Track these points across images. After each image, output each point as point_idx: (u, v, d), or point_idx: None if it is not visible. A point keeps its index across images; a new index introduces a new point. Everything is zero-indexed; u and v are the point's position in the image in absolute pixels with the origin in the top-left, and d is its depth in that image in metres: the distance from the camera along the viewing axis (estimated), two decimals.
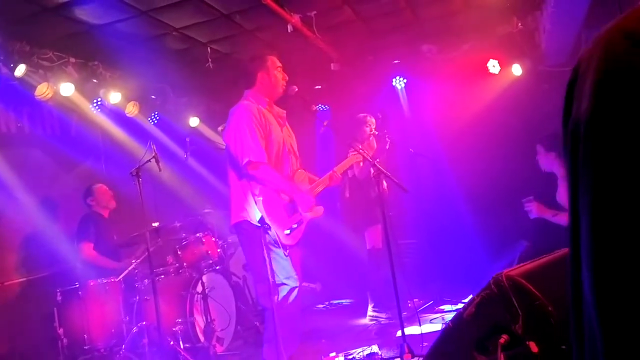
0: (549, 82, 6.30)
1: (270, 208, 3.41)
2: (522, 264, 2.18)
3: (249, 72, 3.74)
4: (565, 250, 2.70)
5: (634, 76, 0.74)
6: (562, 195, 4.09)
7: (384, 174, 3.80)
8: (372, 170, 4.99)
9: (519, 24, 5.69)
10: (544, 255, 2.34)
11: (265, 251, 3.35)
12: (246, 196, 3.47)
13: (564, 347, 1.84)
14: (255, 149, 3.41)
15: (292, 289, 3.46)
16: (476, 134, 6.32)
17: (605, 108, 0.76)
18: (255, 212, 3.40)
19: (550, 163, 4.29)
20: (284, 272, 3.44)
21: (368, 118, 5.24)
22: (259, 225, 3.35)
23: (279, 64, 3.79)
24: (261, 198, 3.40)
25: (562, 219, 4.02)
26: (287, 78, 3.80)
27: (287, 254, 3.43)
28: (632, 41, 0.75)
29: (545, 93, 6.29)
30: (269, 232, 3.36)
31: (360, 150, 3.93)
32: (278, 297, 3.42)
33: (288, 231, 3.38)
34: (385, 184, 5.08)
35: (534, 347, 1.85)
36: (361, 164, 4.89)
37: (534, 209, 4.18)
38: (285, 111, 3.83)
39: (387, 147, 5.10)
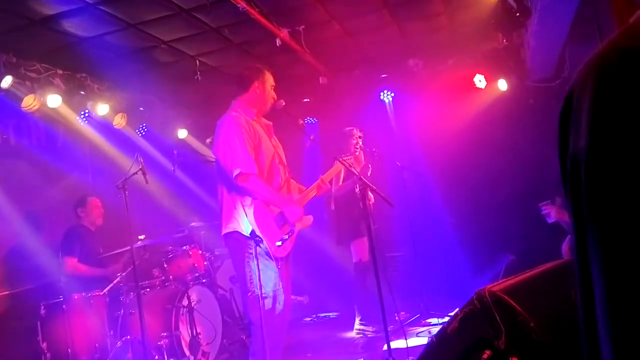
0: (534, 97, 6.40)
1: (261, 220, 3.41)
2: (505, 279, 2.20)
3: (245, 78, 3.73)
4: (547, 265, 2.73)
5: (634, 103, 0.63)
6: None
7: (370, 187, 3.82)
8: (357, 186, 5.06)
9: (504, 40, 5.77)
10: (527, 270, 2.37)
11: (256, 262, 3.35)
12: (236, 208, 3.46)
13: None
14: (246, 160, 3.41)
15: (276, 300, 3.44)
16: (462, 147, 6.39)
17: (605, 145, 0.65)
18: (245, 224, 3.39)
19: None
20: (271, 284, 3.43)
21: (355, 131, 5.28)
22: (250, 237, 3.35)
23: (274, 83, 3.81)
24: (252, 210, 3.40)
25: None
26: (276, 98, 3.82)
27: (279, 266, 3.43)
28: (628, 61, 0.65)
29: (531, 108, 6.39)
30: (261, 244, 3.36)
31: (344, 161, 3.94)
32: (264, 308, 3.40)
33: (279, 243, 3.38)
34: (371, 197, 5.13)
35: None
36: (341, 179, 5.03)
37: (552, 213, 4.05)
38: (271, 122, 3.84)
39: (369, 173, 5.10)
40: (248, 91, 3.69)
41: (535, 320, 1.91)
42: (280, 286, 3.45)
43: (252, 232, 3.35)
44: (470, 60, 6.41)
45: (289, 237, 3.44)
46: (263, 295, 3.38)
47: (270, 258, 3.41)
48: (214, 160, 3.84)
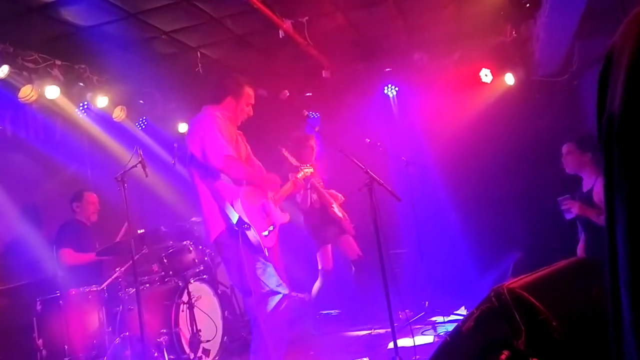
0: (540, 92, 6.29)
1: (247, 211, 3.34)
2: (523, 276, 2.09)
3: (218, 91, 3.66)
4: (564, 262, 2.62)
5: None
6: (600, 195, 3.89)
7: (377, 181, 3.72)
8: (314, 197, 5.39)
9: (513, 32, 5.65)
10: (545, 267, 2.26)
11: (253, 260, 3.29)
12: (220, 203, 3.38)
13: None
14: (225, 146, 3.35)
15: (284, 297, 3.37)
16: (468, 143, 6.27)
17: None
18: (232, 214, 3.33)
19: (580, 165, 4.07)
20: (274, 281, 3.36)
21: (311, 141, 5.34)
22: (237, 224, 3.28)
23: (252, 101, 3.72)
24: (238, 201, 3.32)
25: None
26: (252, 114, 3.74)
27: (269, 258, 3.37)
28: None
29: (537, 103, 6.27)
30: (248, 232, 3.28)
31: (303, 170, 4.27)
32: (269, 306, 3.32)
33: (266, 232, 3.38)
34: (340, 197, 5.56)
35: None
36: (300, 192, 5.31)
37: (575, 208, 3.91)
38: (241, 132, 3.79)
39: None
40: (220, 104, 3.62)
41: (558, 319, 1.81)
42: (281, 281, 3.38)
43: (240, 219, 3.28)
44: (476, 54, 6.29)
45: (274, 228, 3.47)
46: (266, 292, 3.30)
47: (261, 250, 3.34)
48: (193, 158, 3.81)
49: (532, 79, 6.24)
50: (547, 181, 5.70)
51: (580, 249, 4.18)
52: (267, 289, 3.33)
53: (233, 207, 3.32)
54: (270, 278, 3.35)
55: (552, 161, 5.18)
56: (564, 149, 4.16)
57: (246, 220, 3.29)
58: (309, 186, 5.32)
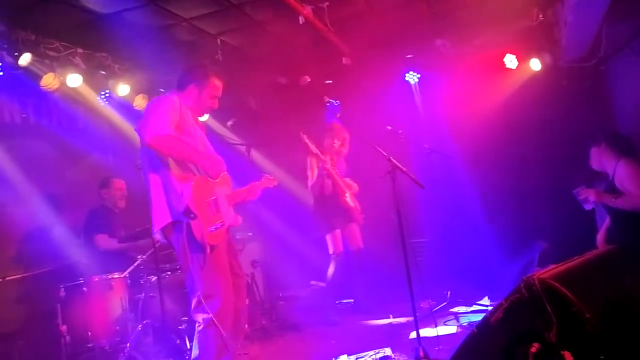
0: (567, 77, 6.12)
1: (198, 201, 3.15)
2: (553, 266, 2.02)
3: (183, 78, 3.51)
4: (594, 252, 2.54)
5: None
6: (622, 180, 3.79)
7: (400, 169, 3.65)
8: (328, 183, 5.45)
9: (540, 16, 5.49)
10: (576, 257, 2.18)
11: (201, 257, 3.13)
12: (168, 194, 3.17)
13: (602, 357, 1.69)
14: (161, 124, 3.10)
15: (226, 297, 3.19)
16: (492, 131, 6.16)
17: None
18: (180, 202, 3.10)
19: (607, 166, 3.99)
20: (221, 280, 3.20)
21: (334, 130, 5.44)
22: (184, 213, 3.08)
23: (218, 93, 3.55)
24: (190, 189, 3.12)
25: (624, 202, 3.67)
26: (217, 108, 3.58)
27: (209, 256, 3.16)
28: None
29: (564, 89, 6.11)
30: (193, 222, 3.08)
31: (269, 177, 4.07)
32: (210, 310, 3.13)
33: (213, 228, 3.17)
34: (355, 186, 5.65)
35: (569, 357, 1.70)
36: (314, 175, 5.43)
37: (592, 196, 3.80)
38: (203, 125, 3.64)
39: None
40: (183, 92, 3.45)
41: (591, 311, 1.74)
42: (219, 290, 3.20)
43: (187, 208, 3.07)
44: (501, 40, 6.14)
45: (222, 226, 3.25)
46: (205, 295, 3.15)
47: (204, 250, 3.14)
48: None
49: (558, 64, 6.08)
50: (574, 170, 5.56)
51: (600, 239, 4.07)
52: (207, 292, 3.15)
53: (182, 196, 3.11)
54: (220, 276, 3.18)
55: (579, 149, 5.06)
56: (595, 153, 4.03)
57: (193, 210, 3.09)
58: (324, 172, 5.36)
